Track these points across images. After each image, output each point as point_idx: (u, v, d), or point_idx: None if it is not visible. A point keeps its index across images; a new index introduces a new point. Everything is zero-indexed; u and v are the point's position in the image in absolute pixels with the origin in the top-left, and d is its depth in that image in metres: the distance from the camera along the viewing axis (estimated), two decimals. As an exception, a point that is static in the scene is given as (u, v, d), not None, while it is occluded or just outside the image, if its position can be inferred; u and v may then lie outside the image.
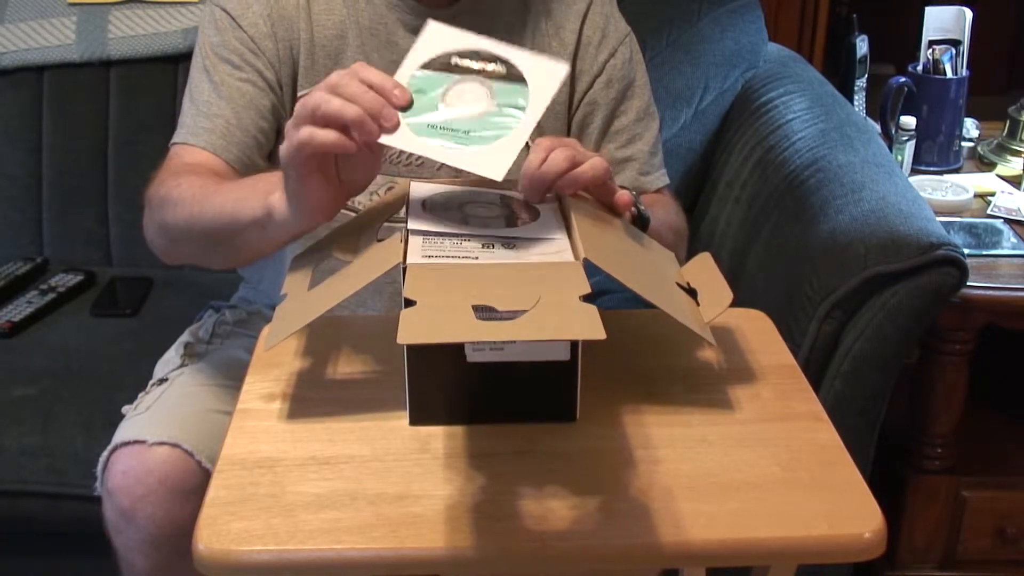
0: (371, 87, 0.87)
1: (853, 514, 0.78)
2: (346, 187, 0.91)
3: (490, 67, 0.92)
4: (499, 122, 0.90)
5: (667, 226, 1.17)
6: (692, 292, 0.94)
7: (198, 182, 1.05)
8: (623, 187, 0.99)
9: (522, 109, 0.90)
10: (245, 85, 1.16)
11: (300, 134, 0.85)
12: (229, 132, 1.14)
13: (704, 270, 0.98)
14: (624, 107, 1.26)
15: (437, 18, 1.19)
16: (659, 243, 1.02)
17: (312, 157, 0.86)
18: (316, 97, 0.86)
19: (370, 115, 0.85)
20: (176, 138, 1.16)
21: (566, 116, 1.25)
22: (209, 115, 1.15)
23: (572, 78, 1.24)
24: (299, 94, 1.19)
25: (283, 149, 0.88)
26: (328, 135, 0.85)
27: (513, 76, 0.92)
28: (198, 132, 1.14)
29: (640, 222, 1.04)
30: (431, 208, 0.95)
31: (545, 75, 0.92)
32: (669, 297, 0.89)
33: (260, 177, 1.01)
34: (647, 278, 0.91)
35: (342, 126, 0.85)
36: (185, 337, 1.31)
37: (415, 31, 1.20)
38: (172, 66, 1.78)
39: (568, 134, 1.26)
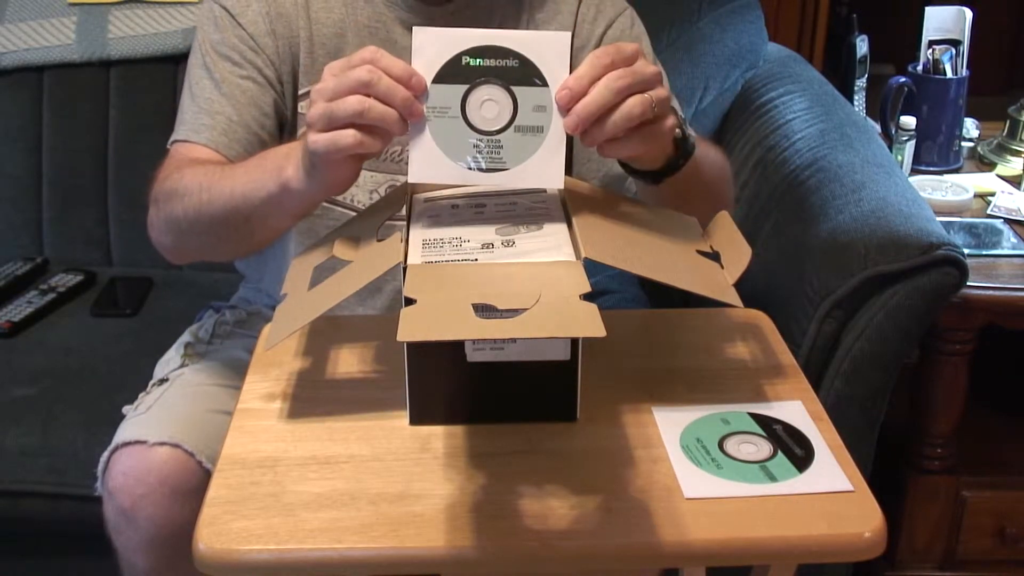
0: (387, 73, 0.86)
1: (853, 514, 0.78)
2: (368, 155, 0.91)
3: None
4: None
5: (710, 160, 1.09)
6: (715, 256, 0.93)
7: (201, 171, 1.06)
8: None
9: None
10: (246, 82, 1.16)
11: (322, 140, 0.86)
12: (231, 129, 1.14)
13: (722, 229, 0.97)
14: None
15: (434, 16, 1.20)
16: (704, 178, 1.01)
17: (337, 157, 0.88)
18: (331, 106, 0.85)
19: (389, 104, 0.85)
20: (177, 135, 1.16)
21: None
22: (211, 112, 1.15)
23: (571, 55, 1.23)
24: (300, 92, 1.19)
25: (307, 144, 0.89)
26: (348, 138, 0.86)
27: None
28: (199, 129, 1.14)
29: (684, 148, 1.00)
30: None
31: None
32: (682, 272, 0.89)
33: (265, 155, 1.01)
34: (657, 259, 0.90)
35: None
36: (185, 337, 1.31)
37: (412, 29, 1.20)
38: (172, 66, 1.78)
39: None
